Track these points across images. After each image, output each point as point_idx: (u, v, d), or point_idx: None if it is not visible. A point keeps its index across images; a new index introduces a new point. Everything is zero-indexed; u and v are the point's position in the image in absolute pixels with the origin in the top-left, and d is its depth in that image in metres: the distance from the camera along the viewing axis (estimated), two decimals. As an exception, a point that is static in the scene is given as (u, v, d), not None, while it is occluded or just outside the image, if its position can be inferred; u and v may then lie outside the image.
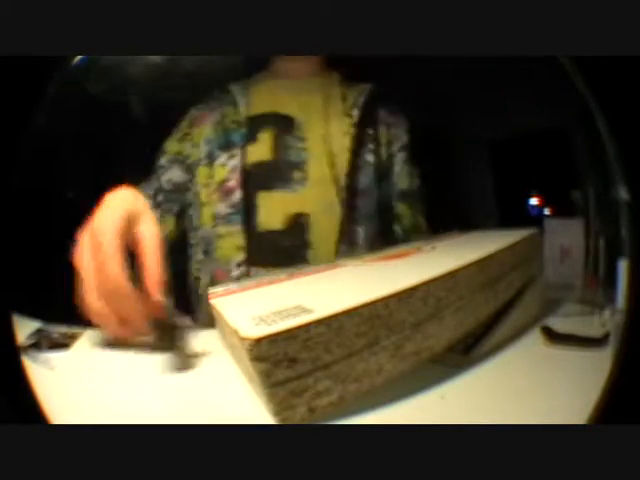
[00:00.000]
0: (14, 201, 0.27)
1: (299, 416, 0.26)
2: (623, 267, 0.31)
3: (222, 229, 0.55)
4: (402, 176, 0.60)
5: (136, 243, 0.39)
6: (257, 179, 0.56)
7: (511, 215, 0.65)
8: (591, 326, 0.38)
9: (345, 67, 0.61)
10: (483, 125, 0.66)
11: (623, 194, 0.27)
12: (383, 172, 0.59)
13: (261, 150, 0.56)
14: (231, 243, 0.54)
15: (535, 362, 0.35)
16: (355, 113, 0.58)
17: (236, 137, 0.57)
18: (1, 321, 0.26)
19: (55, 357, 0.38)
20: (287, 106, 0.58)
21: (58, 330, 0.44)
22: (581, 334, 0.37)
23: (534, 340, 0.38)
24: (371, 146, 0.58)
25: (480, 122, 0.66)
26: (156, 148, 0.61)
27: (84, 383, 0.35)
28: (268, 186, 0.55)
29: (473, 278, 0.34)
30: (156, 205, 0.59)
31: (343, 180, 0.55)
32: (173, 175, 0.59)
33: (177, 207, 0.60)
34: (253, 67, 0.61)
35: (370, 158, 0.58)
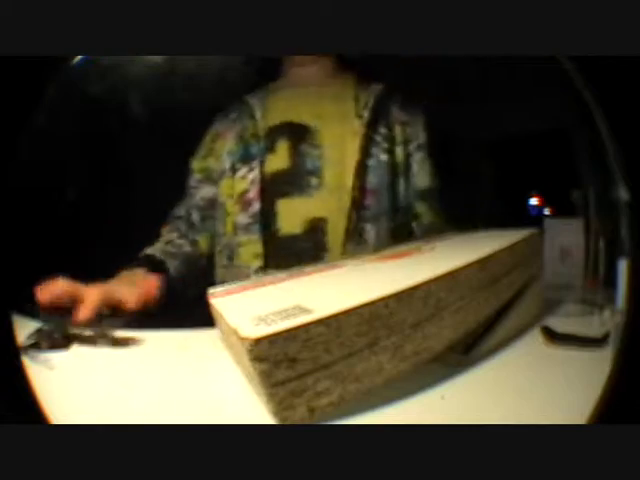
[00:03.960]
0: (14, 201, 0.27)
1: (299, 416, 0.26)
2: (623, 267, 0.31)
3: (242, 238, 0.59)
4: (421, 175, 0.61)
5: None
6: (275, 188, 0.59)
7: (511, 215, 0.65)
8: (591, 326, 0.39)
9: (359, 68, 0.62)
10: (483, 125, 0.66)
11: (623, 194, 0.27)
12: (399, 171, 0.60)
13: (279, 160, 0.59)
14: (250, 251, 0.58)
15: (535, 362, 0.35)
16: (365, 114, 0.59)
17: (255, 150, 0.60)
18: (1, 321, 0.26)
19: (55, 357, 0.38)
20: (302, 115, 0.60)
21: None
22: (581, 334, 0.37)
23: (534, 340, 0.38)
24: (385, 145, 0.60)
25: (480, 122, 0.66)
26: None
27: (84, 383, 0.35)
28: (286, 193, 0.58)
29: (473, 278, 0.34)
30: (190, 225, 0.63)
31: (352, 181, 0.57)
32: (205, 192, 0.63)
33: (212, 221, 0.63)
34: (268, 75, 0.63)
35: (384, 157, 0.59)
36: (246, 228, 0.58)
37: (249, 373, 0.29)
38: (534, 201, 0.65)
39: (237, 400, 0.30)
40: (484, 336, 0.36)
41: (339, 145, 0.58)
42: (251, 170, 0.59)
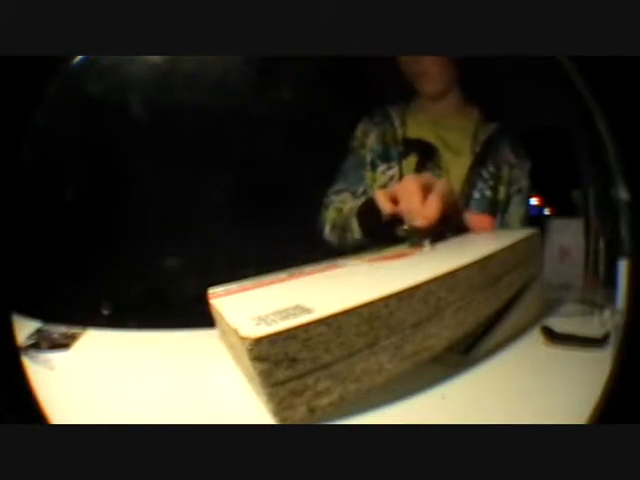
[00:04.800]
0: (14, 201, 0.27)
1: (299, 416, 0.26)
2: (623, 267, 0.31)
3: None
4: (514, 218, 0.65)
5: None
6: None
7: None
8: (591, 326, 0.38)
9: (482, 105, 0.68)
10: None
11: (623, 194, 0.27)
12: (498, 209, 0.65)
13: (408, 167, 0.66)
14: None
15: (535, 362, 0.35)
16: (477, 149, 0.65)
17: (393, 152, 0.68)
18: (1, 321, 0.26)
19: (55, 357, 0.38)
20: (432, 136, 0.67)
21: (58, 330, 0.44)
22: (581, 334, 0.37)
23: (534, 340, 0.38)
24: (491, 183, 0.65)
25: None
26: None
27: (84, 383, 0.35)
28: None
29: (473, 278, 0.34)
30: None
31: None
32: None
33: None
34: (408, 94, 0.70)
35: (488, 193, 0.64)
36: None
37: (249, 373, 0.29)
38: (534, 201, 0.66)
39: (237, 400, 0.30)
40: (484, 336, 0.36)
41: (452, 173, 0.64)
42: (390, 168, 0.67)
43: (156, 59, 0.53)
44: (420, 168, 0.65)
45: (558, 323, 0.40)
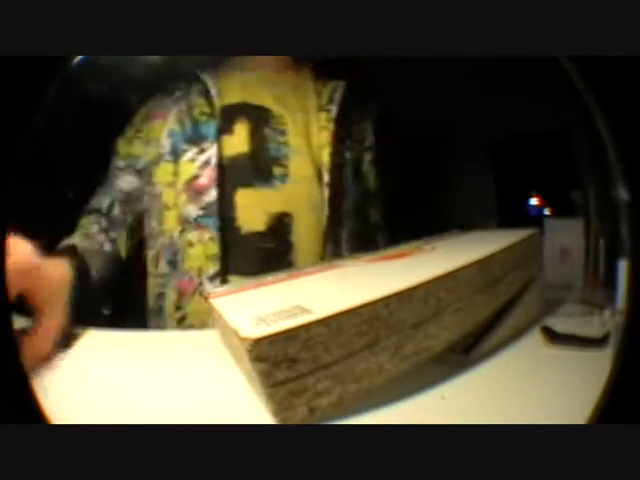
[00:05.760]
0: (14, 201, 0.27)
1: (299, 416, 0.26)
2: (623, 267, 0.31)
3: (192, 235, 0.49)
4: (367, 176, 0.58)
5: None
6: (234, 175, 0.51)
7: (511, 215, 0.65)
8: (591, 326, 0.38)
9: (316, 63, 0.59)
10: (483, 125, 0.66)
11: (623, 194, 0.27)
12: (357, 170, 0.57)
13: (237, 143, 0.51)
14: (203, 251, 0.49)
15: (535, 362, 0.35)
16: (332, 108, 0.55)
17: (207, 129, 0.51)
18: (1, 321, 0.26)
19: (55, 357, 0.38)
20: (262, 97, 0.54)
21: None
22: (581, 334, 0.37)
23: (534, 340, 0.38)
24: (348, 143, 0.57)
25: (480, 122, 0.66)
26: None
27: (84, 383, 0.35)
28: (246, 183, 0.50)
29: (473, 278, 0.34)
30: (111, 221, 0.54)
31: (327, 177, 0.52)
32: (125, 183, 0.54)
33: (130, 219, 0.54)
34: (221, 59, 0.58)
35: (348, 155, 0.56)
36: (197, 222, 0.49)
37: (249, 373, 0.29)
38: (534, 201, 0.65)
39: (237, 400, 0.30)
40: (484, 336, 0.36)
41: (305, 135, 0.53)
42: (202, 152, 0.51)
43: (156, 59, 0.53)
44: (255, 138, 0.51)
45: (558, 323, 0.40)
